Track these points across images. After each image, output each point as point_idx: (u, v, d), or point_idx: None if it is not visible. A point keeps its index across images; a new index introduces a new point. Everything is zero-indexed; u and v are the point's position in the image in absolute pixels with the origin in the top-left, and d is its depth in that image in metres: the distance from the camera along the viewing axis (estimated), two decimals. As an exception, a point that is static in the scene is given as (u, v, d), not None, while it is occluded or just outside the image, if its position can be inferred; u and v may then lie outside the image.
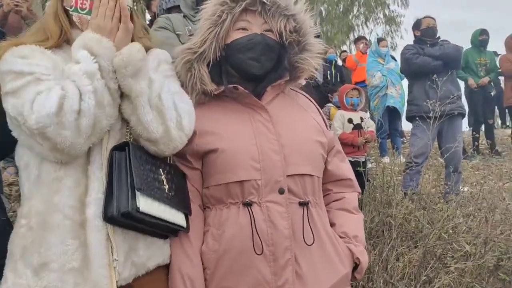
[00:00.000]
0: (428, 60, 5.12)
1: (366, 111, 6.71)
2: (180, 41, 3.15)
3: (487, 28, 8.14)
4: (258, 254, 1.59)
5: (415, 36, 5.50)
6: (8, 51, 1.49)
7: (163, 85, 1.56)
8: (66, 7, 1.58)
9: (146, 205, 1.47)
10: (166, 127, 1.52)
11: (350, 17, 16.47)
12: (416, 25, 5.47)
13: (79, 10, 1.56)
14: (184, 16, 3.35)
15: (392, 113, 7.43)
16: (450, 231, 3.82)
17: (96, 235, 1.44)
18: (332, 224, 1.79)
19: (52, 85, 1.41)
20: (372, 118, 6.49)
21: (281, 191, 1.64)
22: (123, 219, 1.45)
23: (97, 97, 1.42)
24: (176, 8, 4.39)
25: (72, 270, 1.43)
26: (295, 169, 1.67)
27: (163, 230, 1.58)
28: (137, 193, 1.45)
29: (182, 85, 1.73)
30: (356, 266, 1.76)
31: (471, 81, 7.88)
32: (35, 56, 1.49)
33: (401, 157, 7.07)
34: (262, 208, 1.63)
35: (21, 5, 4.74)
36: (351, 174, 1.89)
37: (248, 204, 1.63)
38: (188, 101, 1.65)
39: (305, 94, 1.94)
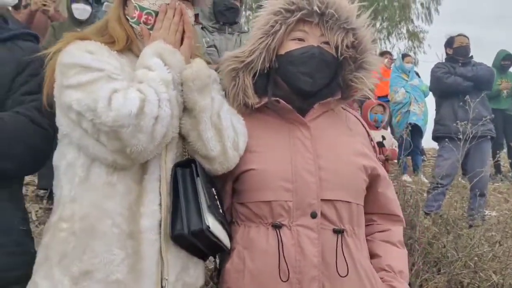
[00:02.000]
0: (459, 81, 5.03)
1: (386, 128, 6.59)
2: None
3: (507, 48, 7.98)
4: (284, 281, 1.49)
5: (447, 54, 5.41)
6: (73, 44, 1.44)
7: (223, 104, 1.54)
8: (127, 16, 1.56)
9: (213, 224, 1.43)
10: (223, 146, 1.50)
11: (373, 30, 16.26)
12: (449, 43, 5.38)
13: (141, 24, 1.53)
14: (203, 28, 3.30)
15: (413, 130, 7.27)
16: (476, 258, 3.68)
17: (150, 249, 1.39)
18: (375, 255, 1.68)
19: (126, 85, 1.37)
20: (393, 134, 6.38)
21: (313, 215, 1.53)
22: (191, 237, 1.41)
23: (171, 106, 1.39)
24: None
25: (116, 282, 1.35)
26: (331, 194, 1.56)
27: (211, 250, 1.53)
28: (207, 212, 1.42)
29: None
30: None
31: (503, 85, 7.70)
32: (103, 54, 1.44)
33: (421, 175, 6.95)
34: (292, 232, 1.52)
35: (49, 5, 4.73)
36: (399, 210, 1.77)
37: (277, 227, 1.53)
38: (243, 121, 1.60)
39: (356, 115, 1.82)
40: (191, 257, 1.48)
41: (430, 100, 7.88)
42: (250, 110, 1.66)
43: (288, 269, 1.50)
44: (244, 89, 1.61)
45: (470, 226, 4.67)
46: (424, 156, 8.42)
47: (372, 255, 1.68)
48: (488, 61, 7.54)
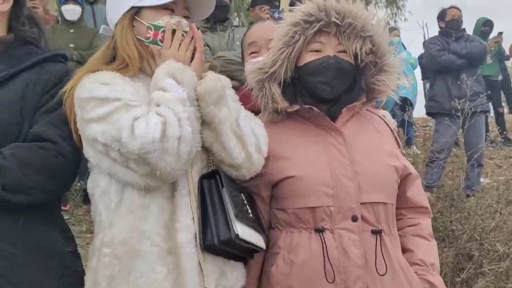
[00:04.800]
0: (453, 59, 5.09)
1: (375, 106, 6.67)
2: None
3: (487, 14, 8.00)
4: (330, 282, 1.57)
5: (440, 27, 5.45)
6: (86, 78, 1.48)
7: (240, 111, 1.58)
8: (139, 38, 1.57)
9: (243, 231, 1.48)
10: (247, 152, 1.54)
11: (350, 1, 16.06)
12: (441, 16, 5.41)
13: (158, 43, 1.55)
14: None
15: (404, 103, 7.38)
16: (480, 230, 3.79)
17: (189, 262, 1.45)
18: (407, 250, 1.75)
19: (146, 110, 1.41)
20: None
21: (354, 219, 1.60)
22: (223, 246, 1.47)
23: (191, 123, 1.43)
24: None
25: None
26: (369, 197, 1.63)
27: (246, 253, 1.59)
28: (235, 220, 1.47)
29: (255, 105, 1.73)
30: None
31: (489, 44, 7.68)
32: (117, 82, 1.47)
33: (414, 147, 7.07)
34: (334, 235, 1.60)
35: (38, 6, 4.66)
36: (426, 202, 1.84)
37: (320, 231, 1.60)
38: (261, 123, 1.66)
39: (379, 114, 1.89)
40: (227, 261, 1.54)
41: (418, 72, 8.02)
42: (282, 117, 1.73)
43: (333, 271, 1.57)
44: (272, 97, 1.68)
45: (467, 196, 4.83)
46: (414, 126, 8.53)
47: (404, 250, 1.75)
48: (468, 27, 7.61)
